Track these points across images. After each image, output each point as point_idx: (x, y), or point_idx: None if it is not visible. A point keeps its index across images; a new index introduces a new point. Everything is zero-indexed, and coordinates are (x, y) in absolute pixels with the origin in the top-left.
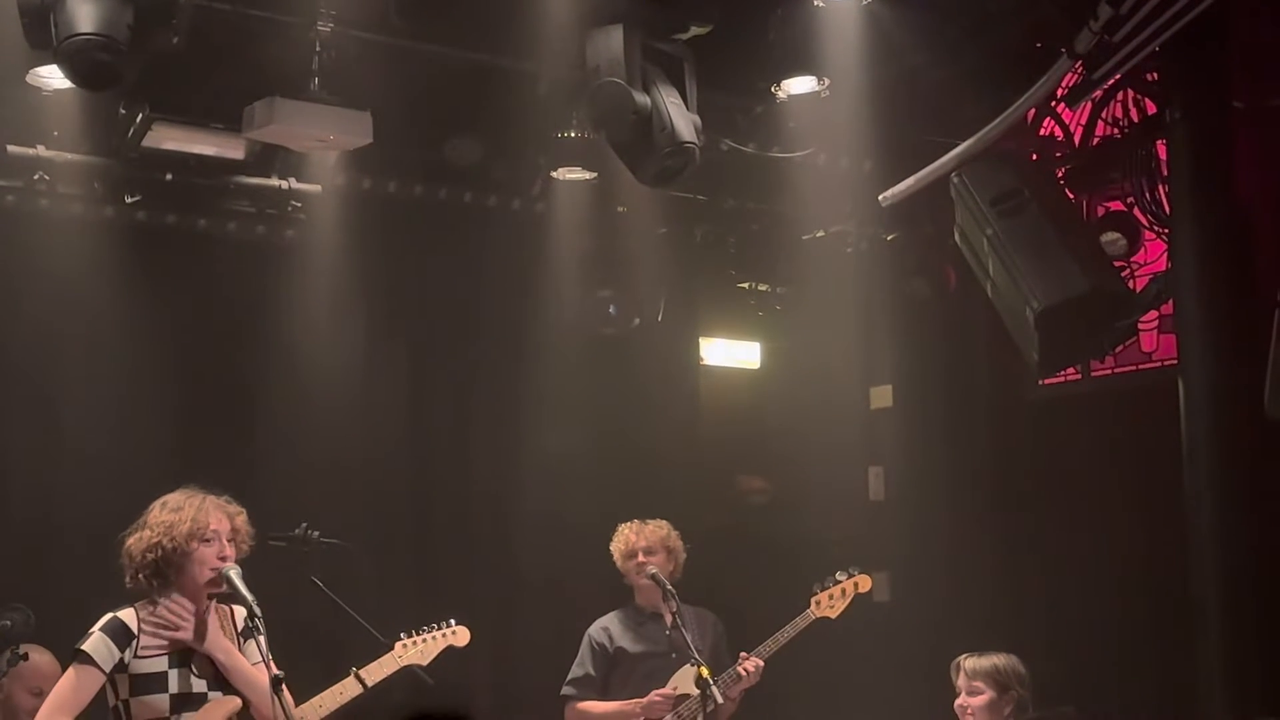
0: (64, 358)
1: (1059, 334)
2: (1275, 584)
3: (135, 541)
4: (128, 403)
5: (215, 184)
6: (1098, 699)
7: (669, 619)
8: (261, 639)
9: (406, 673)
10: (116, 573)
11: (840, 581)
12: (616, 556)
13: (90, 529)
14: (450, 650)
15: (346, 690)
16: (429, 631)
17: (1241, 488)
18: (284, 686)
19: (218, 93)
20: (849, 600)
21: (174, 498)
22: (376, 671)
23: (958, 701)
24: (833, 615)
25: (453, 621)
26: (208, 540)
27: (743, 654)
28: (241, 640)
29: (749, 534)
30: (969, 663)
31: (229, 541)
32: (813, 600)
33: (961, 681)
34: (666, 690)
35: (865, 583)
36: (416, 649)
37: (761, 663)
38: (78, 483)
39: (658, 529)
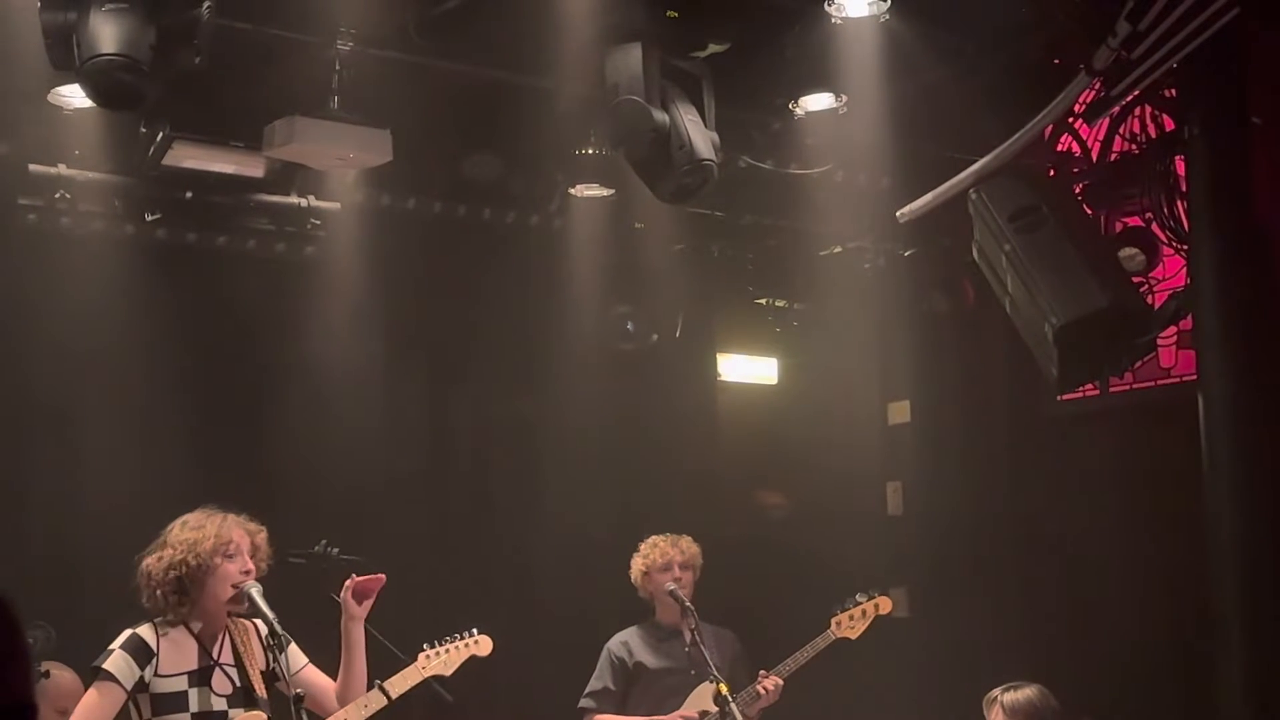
0: (84, 375)
1: (1078, 350)
2: None
3: (155, 561)
4: (147, 419)
5: (235, 202)
6: (1119, 714)
7: (688, 636)
8: (282, 657)
9: (427, 688)
10: (137, 590)
11: (860, 603)
12: (643, 569)
13: (111, 545)
14: (473, 660)
15: (371, 703)
16: (451, 642)
17: (1262, 503)
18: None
19: (238, 111)
20: (869, 622)
21: (194, 517)
22: (400, 683)
23: None
24: (852, 636)
25: (475, 631)
26: (231, 556)
27: (762, 672)
28: (266, 655)
29: (767, 549)
30: (1006, 697)
31: (250, 558)
32: (833, 621)
33: (997, 717)
34: (689, 713)
35: (886, 604)
36: (439, 659)
37: (781, 681)
38: (98, 499)
39: (692, 545)
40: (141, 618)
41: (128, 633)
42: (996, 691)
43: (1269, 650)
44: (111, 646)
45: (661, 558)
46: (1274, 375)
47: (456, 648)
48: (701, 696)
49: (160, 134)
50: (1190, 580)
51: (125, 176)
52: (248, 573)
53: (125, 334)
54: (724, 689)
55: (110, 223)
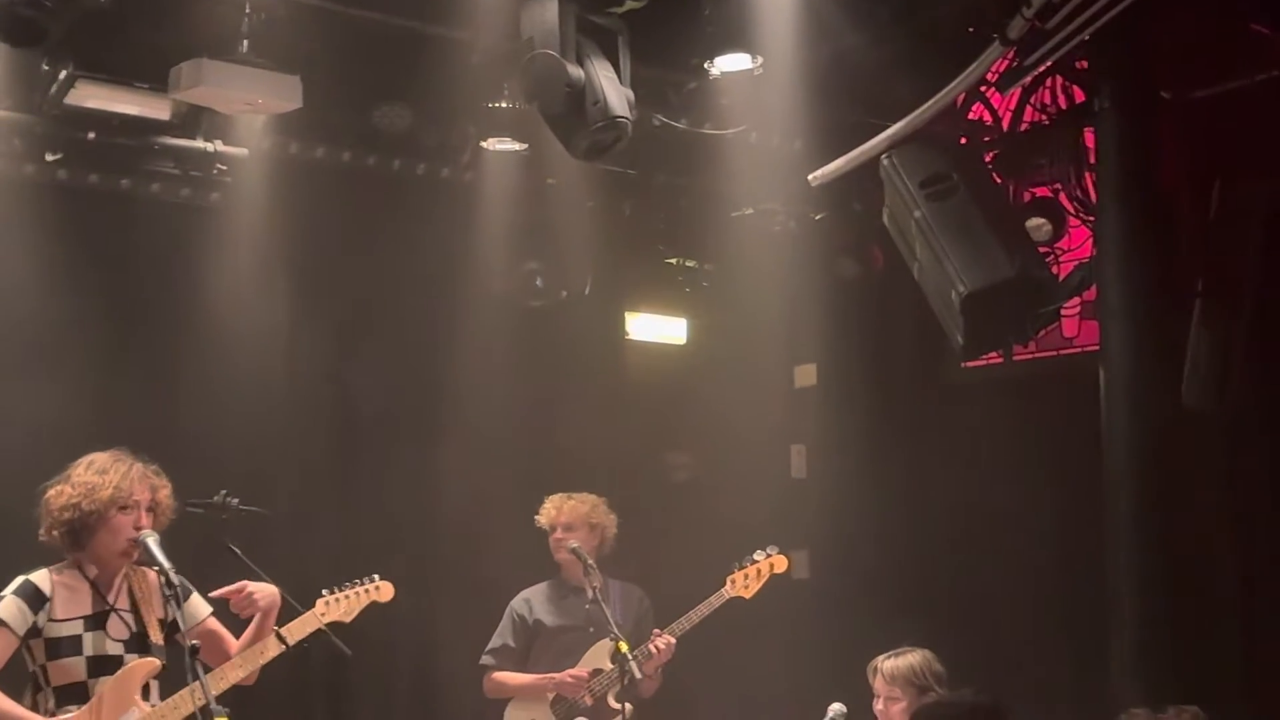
0: None
1: (983, 318)
2: (1189, 570)
3: (55, 495)
4: (46, 364)
5: (139, 144)
6: (1010, 679)
7: (590, 593)
8: (181, 608)
9: (326, 639)
10: (31, 538)
11: (756, 561)
12: (545, 527)
13: (3, 494)
14: (374, 608)
15: (267, 649)
16: (351, 587)
17: (1158, 474)
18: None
19: (144, 52)
20: (764, 580)
21: (102, 459)
22: (298, 630)
23: (876, 706)
24: (746, 595)
25: (376, 577)
26: (127, 509)
27: (655, 631)
28: (165, 604)
29: (671, 509)
30: (886, 665)
31: (148, 512)
32: (728, 579)
33: (879, 685)
34: (579, 671)
35: (781, 563)
36: (339, 606)
37: (673, 640)
38: None
39: (579, 505)
40: (37, 561)
41: (20, 579)
42: (879, 658)
43: (1159, 619)
44: (3, 593)
45: (547, 518)
46: (1173, 349)
47: (357, 594)
48: (598, 654)
49: (63, 73)
50: (1086, 549)
51: (26, 115)
52: (140, 528)
53: (23, 276)
54: (623, 647)
55: (9, 162)
